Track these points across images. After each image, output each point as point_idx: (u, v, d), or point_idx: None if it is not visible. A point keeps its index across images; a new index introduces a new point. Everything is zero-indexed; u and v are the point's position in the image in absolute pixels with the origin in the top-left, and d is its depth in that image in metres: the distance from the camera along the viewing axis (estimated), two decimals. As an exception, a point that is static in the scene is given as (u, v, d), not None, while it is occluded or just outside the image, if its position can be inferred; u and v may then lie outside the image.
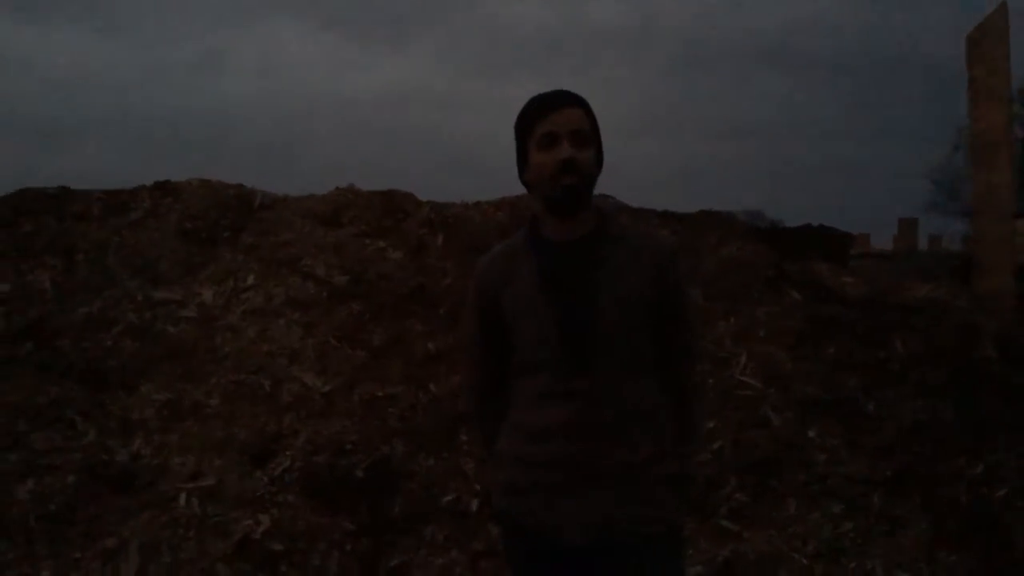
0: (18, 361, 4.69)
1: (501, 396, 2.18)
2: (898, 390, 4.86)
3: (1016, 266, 6.24)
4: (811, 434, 4.61)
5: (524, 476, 2.05)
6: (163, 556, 3.79)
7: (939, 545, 4.04)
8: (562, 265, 2.05)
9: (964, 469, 4.41)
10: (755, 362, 5.03)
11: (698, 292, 5.49)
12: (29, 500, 3.93)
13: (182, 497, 4.06)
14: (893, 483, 4.34)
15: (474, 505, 4.33)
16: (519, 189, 2.21)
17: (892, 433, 4.59)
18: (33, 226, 5.54)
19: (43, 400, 4.49)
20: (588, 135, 2.06)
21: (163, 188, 5.97)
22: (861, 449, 4.51)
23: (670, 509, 2.08)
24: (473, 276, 2.19)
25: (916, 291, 5.91)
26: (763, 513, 4.24)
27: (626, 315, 2.03)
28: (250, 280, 5.39)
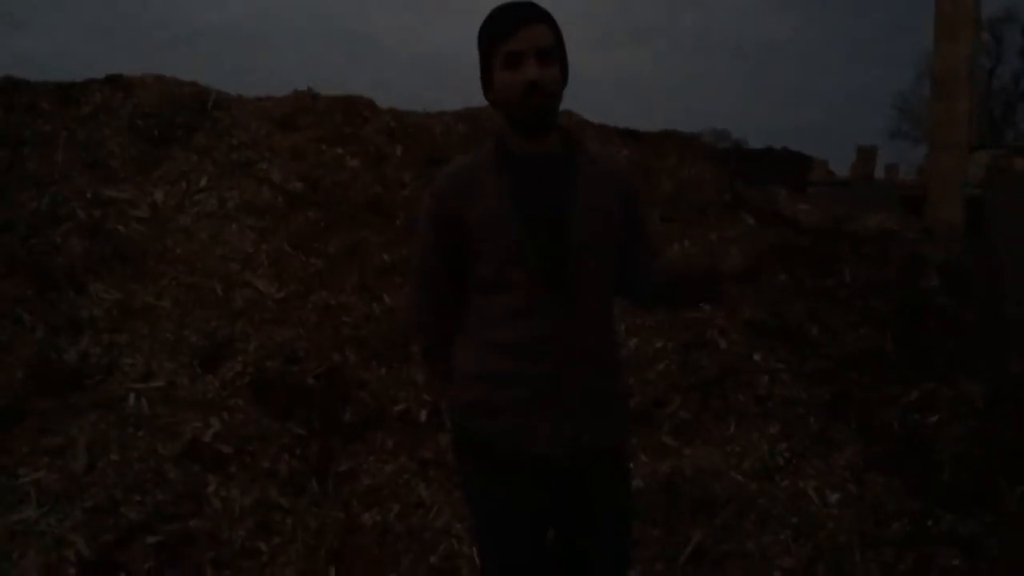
0: (-37, 255, 4.61)
1: (453, 316, 2.18)
2: (843, 317, 4.98)
3: (966, 197, 6.35)
4: (755, 357, 4.72)
5: (494, 393, 2.06)
6: (112, 455, 3.82)
7: (870, 467, 4.20)
8: (533, 180, 2.05)
9: (900, 396, 4.57)
10: (706, 285, 5.10)
11: (655, 213, 5.52)
12: (-25, 396, 3.92)
13: (131, 397, 4.07)
14: (830, 407, 4.48)
15: (423, 415, 4.39)
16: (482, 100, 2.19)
17: (833, 359, 4.72)
18: (-23, 117, 5.37)
19: (-11, 296, 4.43)
20: (553, 51, 2.03)
21: (115, 82, 5.79)
22: (802, 373, 4.64)
23: (624, 426, 2.19)
24: (432, 191, 2.13)
25: (868, 221, 6.00)
26: (704, 431, 4.37)
27: (597, 232, 2.06)
28: (203, 182, 5.30)
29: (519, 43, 1.98)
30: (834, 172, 12.64)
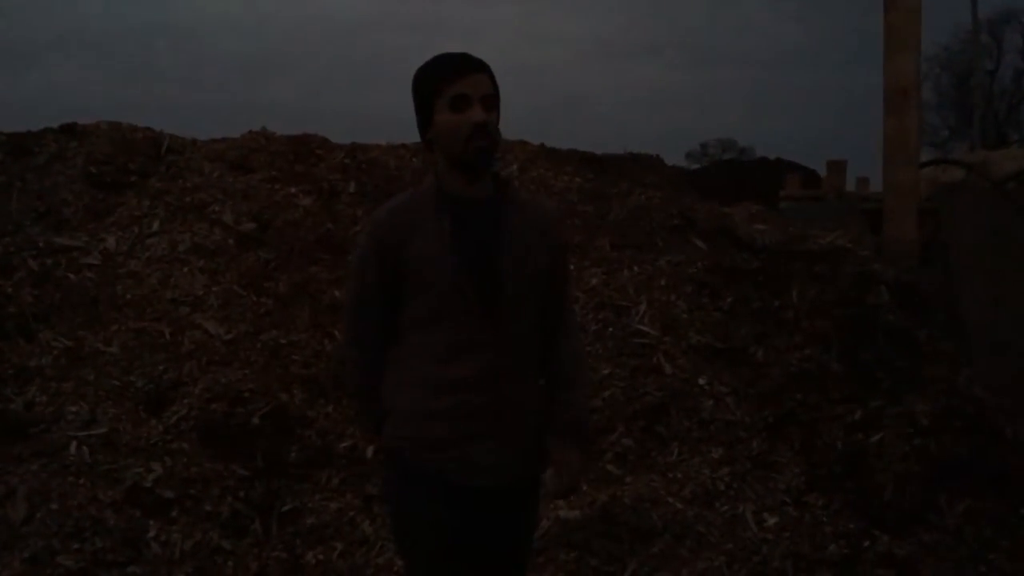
0: (-87, 308, 4.67)
1: (383, 354, 2.26)
2: (788, 338, 5.01)
3: (920, 211, 6.38)
4: (701, 381, 4.75)
5: (438, 428, 2.17)
6: (51, 504, 3.86)
7: (811, 489, 4.23)
8: (470, 222, 2.18)
9: (843, 415, 4.59)
10: (654, 310, 5.14)
11: (605, 241, 5.57)
12: (-83, 449, 3.97)
13: (72, 445, 4.12)
14: (773, 429, 4.51)
15: (369, 451, 4.43)
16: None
17: (777, 380, 4.74)
18: (-69, 169, 5.46)
19: (-63, 348, 4.49)
20: (495, 100, 2.19)
21: (70, 131, 5.88)
22: (746, 396, 4.67)
23: (543, 454, 2.34)
24: (370, 228, 2.27)
25: (821, 239, 6.03)
26: (647, 458, 4.40)
27: (527, 273, 2.21)
28: (155, 227, 5.37)
29: (466, 87, 2.13)
30: (819, 185, 12.65)
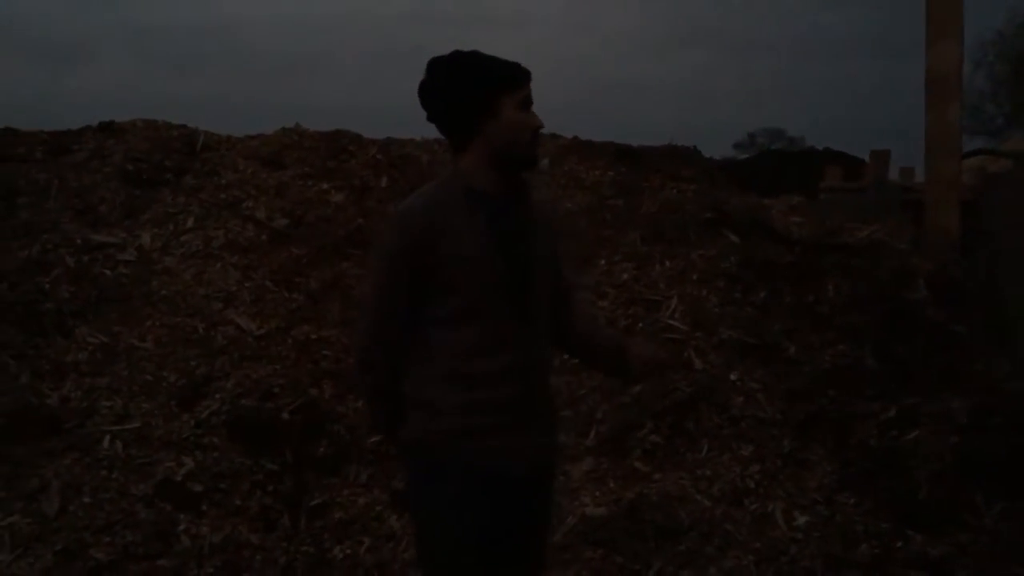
0: (-46, 305, 4.78)
1: (401, 350, 2.27)
2: (822, 334, 4.92)
3: (963, 203, 6.22)
4: (732, 377, 4.68)
5: (476, 419, 2.19)
6: (84, 497, 3.94)
7: (842, 488, 4.15)
8: (504, 220, 2.22)
9: (877, 413, 4.49)
10: (685, 305, 5.09)
11: (636, 236, 5.52)
12: (-44, 443, 4.07)
13: (106, 439, 4.19)
14: (804, 426, 4.43)
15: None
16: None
17: (809, 376, 4.66)
18: (-26, 168, 5.59)
19: (-23, 344, 4.60)
20: None
21: (108, 129, 5.98)
22: (778, 392, 4.59)
23: (559, 436, 2.53)
24: (399, 224, 2.25)
25: (859, 231, 5.92)
26: (676, 455, 4.35)
27: (551, 269, 2.31)
28: (190, 223, 5.44)
29: (530, 92, 2.23)
30: (864, 174, 12.39)
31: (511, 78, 2.20)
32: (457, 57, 2.24)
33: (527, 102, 2.21)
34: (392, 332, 2.28)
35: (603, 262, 5.39)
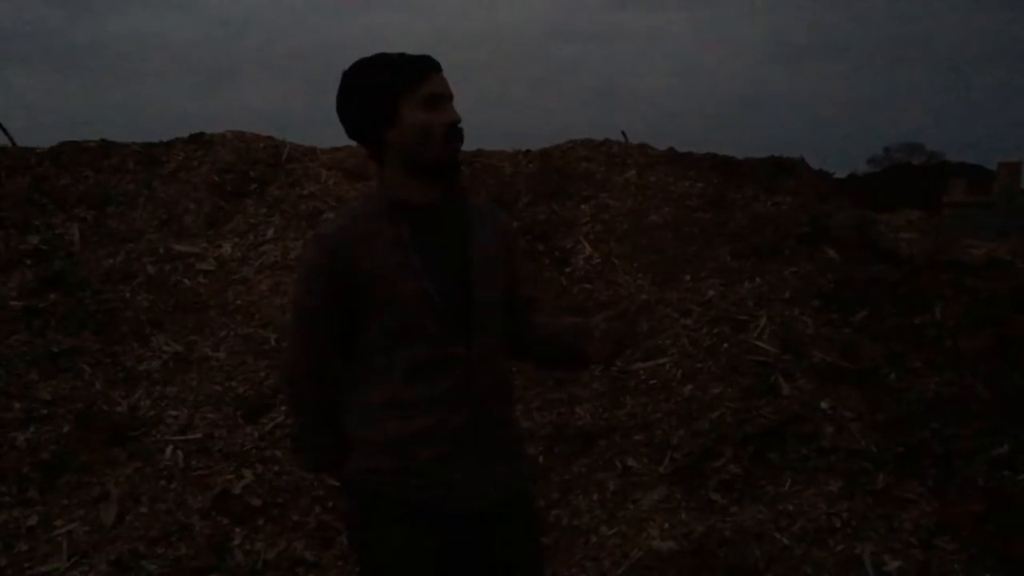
0: (40, 312, 4.89)
1: (335, 383, 2.08)
2: (928, 359, 4.50)
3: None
4: (822, 405, 4.31)
5: (412, 453, 1.99)
6: (141, 507, 3.92)
7: (942, 531, 3.74)
8: (431, 229, 2.01)
9: (987, 448, 4.05)
10: (775, 325, 4.74)
11: (725, 250, 5.21)
12: (25, 447, 4.12)
13: (168, 450, 4.17)
14: (903, 461, 4.03)
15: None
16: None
17: (911, 406, 4.25)
18: (71, 179, 5.74)
19: (57, 350, 4.67)
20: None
21: (197, 140, 6.07)
22: (874, 423, 4.20)
23: (530, 467, 2.34)
24: (317, 245, 2.04)
25: (977, 249, 5.43)
26: (755, 488, 4.02)
27: (495, 279, 2.07)
28: (269, 234, 5.44)
29: (438, 86, 2.00)
30: (992, 189, 11.60)
31: (406, 78, 1.98)
32: (354, 67, 2.04)
33: (432, 99, 1.98)
34: (321, 363, 2.07)
35: (688, 278, 5.10)
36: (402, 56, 2.02)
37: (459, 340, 1.99)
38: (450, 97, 2.02)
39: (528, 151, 6.43)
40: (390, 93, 1.98)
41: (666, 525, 3.83)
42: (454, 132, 1.99)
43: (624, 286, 5.19)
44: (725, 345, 4.70)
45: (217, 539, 3.86)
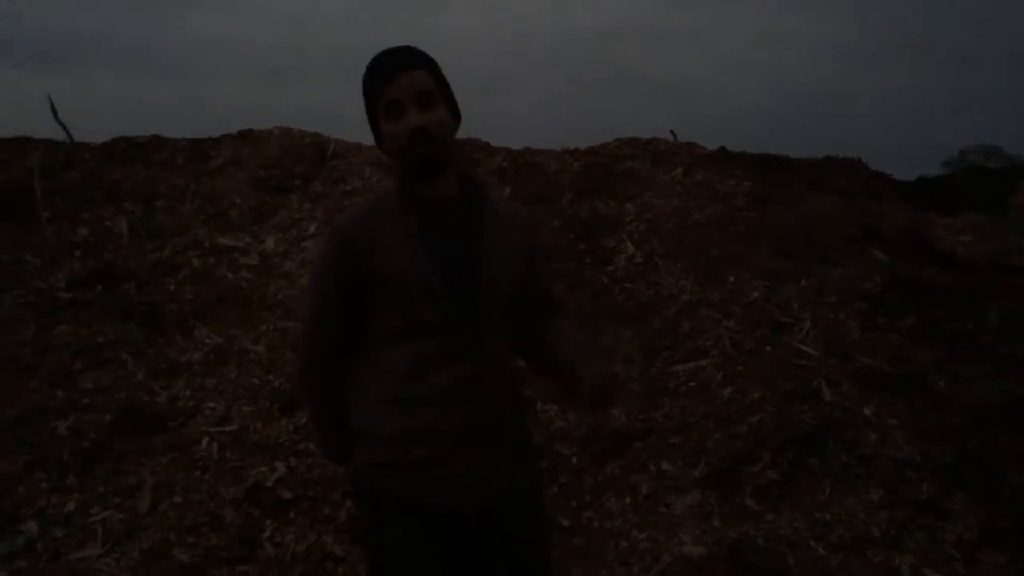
0: (86, 303, 4.99)
1: (344, 376, 2.07)
2: (979, 366, 4.33)
3: None
4: (866, 411, 4.19)
5: (413, 450, 1.97)
6: (175, 497, 3.96)
7: (987, 544, 3.60)
8: (439, 223, 1.99)
9: (1039, 459, 3.89)
10: (819, 329, 4.62)
11: (768, 250, 5.09)
12: (66, 435, 4.20)
13: (204, 441, 4.22)
14: (948, 470, 3.89)
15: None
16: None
17: (960, 414, 4.10)
18: (121, 173, 5.86)
19: (102, 341, 4.76)
20: (436, 94, 1.97)
21: (245, 136, 6.15)
22: (919, 431, 4.06)
23: (536, 466, 2.22)
24: (332, 238, 2.06)
25: (1036, 253, 5.23)
26: (793, 495, 3.91)
27: (507, 277, 2.03)
28: (312, 229, 5.48)
29: (395, 92, 1.95)
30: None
31: (371, 88, 1.97)
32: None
33: (391, 107, 1.93)
34: (331, 354, 2.07)
35: (731, 278, 4.99)
36: (372, 61, 2.01)
37: (466, 337, 1.96)
38: (422, 94, 1.94)
39: (575, 149, 6.38)
40: (370, 104, 2.01)
41: (698, 530, 3.75)
42: (415, 138, 1.92)
43: (666, 286, 5.10)
44: (767, 348, 4.59)
45: (248, 531, 3.88)
